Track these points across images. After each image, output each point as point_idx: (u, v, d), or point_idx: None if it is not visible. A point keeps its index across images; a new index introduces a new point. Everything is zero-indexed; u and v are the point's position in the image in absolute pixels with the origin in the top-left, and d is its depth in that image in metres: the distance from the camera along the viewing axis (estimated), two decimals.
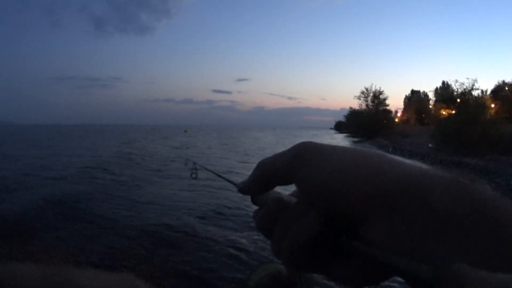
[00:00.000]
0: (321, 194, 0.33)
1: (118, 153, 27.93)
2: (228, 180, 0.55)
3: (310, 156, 0.35)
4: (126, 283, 0.27)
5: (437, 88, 62.52)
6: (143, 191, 12.88)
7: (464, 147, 28.71)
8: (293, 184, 0.37)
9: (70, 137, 63.01)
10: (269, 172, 0.39)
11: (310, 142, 0.37)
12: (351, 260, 0.32)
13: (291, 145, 0.29)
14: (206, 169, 0.71)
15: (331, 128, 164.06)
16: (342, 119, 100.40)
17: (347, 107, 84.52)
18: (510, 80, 56.25)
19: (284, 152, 0.38)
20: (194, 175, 0.73)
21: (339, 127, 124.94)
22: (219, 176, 0.61)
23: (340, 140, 70.97)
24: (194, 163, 0.74)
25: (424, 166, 0.31)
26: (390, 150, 39.36)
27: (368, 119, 68.14)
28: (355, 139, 67.43)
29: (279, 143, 48.26)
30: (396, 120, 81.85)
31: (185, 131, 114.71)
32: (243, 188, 0.44)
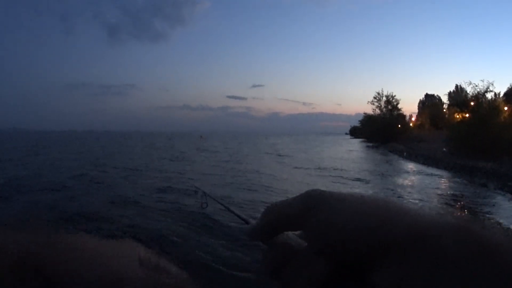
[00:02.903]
0: (331, 242, 0.33)
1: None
2: (238, 216, 0.54)
3: (320, 204, 0.35)
4: (128, 247, 0.28)
5: (450, 92, 62.33)
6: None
7: (478, 151, 28.76)
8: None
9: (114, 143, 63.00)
10: (279, 219, 0.39)
11: (320, 190, 0.37)
12: None
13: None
14: (215, 200, 0.70)
15: (346, 134, 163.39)
16: (357, 124, 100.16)
17: (362, 112, 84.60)
18: None
19: (293, 199, 0.39)
20: (204, 205, 0.74)
21: (354, 132, 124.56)
22: (229, 210, 0.60)
23: (356, 145, 71.05)
24: (204, 192, 0.75)
25: (434, 212, 0.30)
26: (405, 155, 39.57)
27: (382, 124, 68.15)
28: (370, 144, 67.45)
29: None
30: (411, 124, 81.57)
31: (201, 137, 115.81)
32: (251, 233, 0.43)
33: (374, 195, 0.31)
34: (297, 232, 0.34)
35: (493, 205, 14.20)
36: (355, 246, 0.31)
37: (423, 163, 30.63)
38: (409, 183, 20.27)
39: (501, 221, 11.30)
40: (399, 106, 74.12)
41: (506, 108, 38.48)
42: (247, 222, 0.50)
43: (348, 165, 29.21)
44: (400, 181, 21.37)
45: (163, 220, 10.02)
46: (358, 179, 20.83)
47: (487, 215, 12.09)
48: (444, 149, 36.67)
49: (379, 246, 0.29)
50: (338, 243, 0.32)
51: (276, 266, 0.39)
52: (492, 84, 38.20)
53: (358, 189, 18.78)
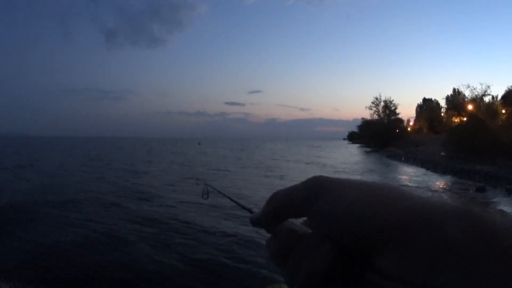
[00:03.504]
0: (335, 227, 0.33)
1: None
2: (241, 206, 0.54)
3: (324, 190, 0.35)
4: None
5: (448, 95, 62.36)
6: None
7: (476, 154, 28.72)
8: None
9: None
10: (283, 206, 0.39)
11: (324, 176, 0.36)
12: None
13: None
14: (217, 191, 0.69)
15: (344, 139, 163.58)
16: (355, 129, 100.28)
17: (360, 117, 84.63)
18: None
19: (298, 186, 0.38)
20: (205, 196, 0.76)
21: (352, 137, 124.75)
22: (232, 200, 0.59)
23: (354, 150, 71.01)
24: (205, 184, 0.76)
25: (436, 196, 0.30)
26: (403, 159, 39.49)
27: (380, 129, 68.15)
28: (368, 149, 67.44)
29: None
30: (409, 129, 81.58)
31: (199, 143, 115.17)
32: (256, 221, 0.43)
33: (377, 181, 0.32)
34: (301, 219, 0.35)
35: (492, 207, 14.12)
36: (358, 231, 0.31)
37: (422, 167, 30.57)
38: (406, 186, 20.20)
39: None
40: (397, 110, 74.27)
41: (503, 111, 38.50)
42: (250, 211, 0.50)
43: (349, 167, 29.20)
44: (397, 183, 21.31)
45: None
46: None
47: None
48: (442, 153, 36.63)
49: (382, 230, 0.29)
50: (342, 228, 0.32)
51: (281, 253, 0.39)
52: (489, 88, 38.28)
53: None
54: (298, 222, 0.35)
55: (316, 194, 0.35)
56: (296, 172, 27.01)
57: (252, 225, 0.35)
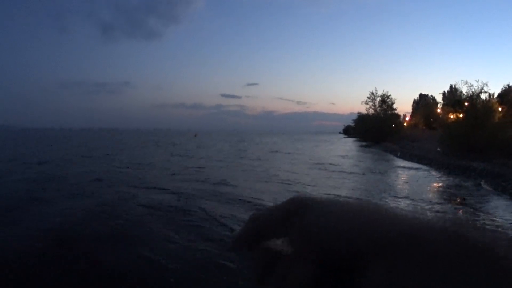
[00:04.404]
0: (315, 247, 0.32)
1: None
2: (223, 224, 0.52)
3: (306, 209, 0.35)
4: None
5: (444, 92, 62.41)
6: None
7: (472, 151, 28.78)
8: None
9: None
10: (262, 226, 0.39)
11: (302, 196, 0.36)
12: None
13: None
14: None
15: (340, 133, 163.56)
16: (350, 123, 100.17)
17: (356, 111, 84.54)
18: None
19: (278, 205, 0.38)
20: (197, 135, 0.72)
21: (347, 131, 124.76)
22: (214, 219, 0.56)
23: (350, 144, 70.95)
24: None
25: (421, 215, 0.30)
26: (399, 154, 39.49)
27: (376, 124, 68.18)
28: (363, 143, 67.41)
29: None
30: (405, 124, 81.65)
31: (195, 135, 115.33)
32: (235, 242, 0.43)
33: (360, 200, 0.31)
34: (281, 239, 0.35)
35: (488, 204, 14.12)
36: (340, 250, 0.31)
37: (417, 163, 30.55)
38: (402, 182, 20.27)
39: (498, 220, 11.20)
40: (394, 105, 74.24)
41: (500, 109, 38.61)
42: (232, 230, 0.46)
43: (343, 161, 29.35)
44: (393, 179, 21.42)
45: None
46: (353, 173, 21.04)
47: (482, 215, 12.02)
48: (438, 149, 36.67)
49: (365, 250, 0.29)
50: (323, 247, 0.31)
51: (263, 272, 0.33)
52: (487, 85, 38.33)
53: (354, 183, 18.84)
54: (279, 241, 0.35)
55: (296, 213, 0.35)
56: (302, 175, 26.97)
57: (232, 247, 0.37)
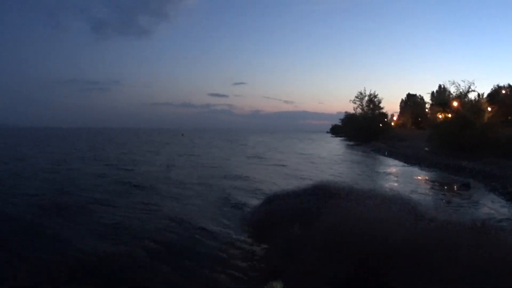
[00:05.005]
0: (344, 243, 0.34)
1: None
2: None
3: (330, 201, 0.34)
4: None
5: (433, 92, 62.28)
6: None
7: (461, 151, 28.51)
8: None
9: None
10: (283, 210, 0.37)
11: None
12: None
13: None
14: None
15: (327, 132, 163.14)
16: (338, 122, 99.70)
17: (344, 110, 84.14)
18: (506, 84, 56.54)
19: (300, 192, 0.35)
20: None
21: (335, 131, 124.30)
22: None
23: (336, 143, 70.62)
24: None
25: (450, 215, 0.29)
26: (386, 154, 39.03)
27: (364, 123, 67.99)
28: (351, 143, 67.14)
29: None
30: (392, 124, 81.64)
31: (182, 134, 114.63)
32: (249, 223, 0.37)
33: (389, 192, 0.31)
34: (301, 226, 0.33)
35: (476, 203, 13.63)
36: (369, 249, 0.30)
37: (405, 162, 30.04)
38: (389, 182, 19.72)
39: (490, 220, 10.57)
40: (381, 105, 74.11)
41: (489, 109, 38.53)
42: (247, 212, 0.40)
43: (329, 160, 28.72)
44: (379, 178, 20.90)
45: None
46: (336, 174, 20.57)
47: (471, 214, 11.46)
48: (426, 148, 36.39)
49: (394, 250, 0.29)
50: (353, 244, 0.31)
51: (280, 261, 0.35)
52: (473, 84, 38.31)
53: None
54: (298, 228, 0.33)
55: (322, 203, 0.32)
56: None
57: (244, 226, 0.35)
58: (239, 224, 7.76)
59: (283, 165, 25.90)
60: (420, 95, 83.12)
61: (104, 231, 8.75)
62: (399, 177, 21.39)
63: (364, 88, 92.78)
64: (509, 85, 55.55)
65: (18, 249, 7.39)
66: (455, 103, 39.35)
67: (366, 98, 74.29)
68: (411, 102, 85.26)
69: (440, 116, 44.75)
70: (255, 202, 10.26)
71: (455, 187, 17.94)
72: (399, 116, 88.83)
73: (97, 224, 9.32)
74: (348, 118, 79.32)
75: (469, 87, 39.17)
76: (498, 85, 57.37)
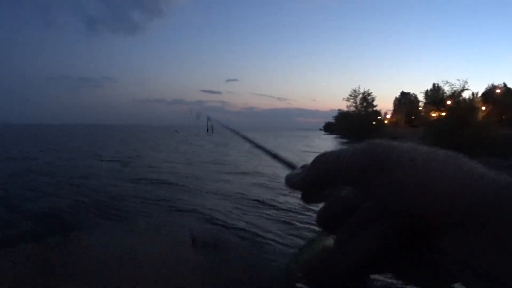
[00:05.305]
0: (402, 205, 0.30)
1: None
2: (272, 154, 0.41)
3: (388, 163, 0.31)
4: None
5: (427, 90, 62.15)
6: None
7: (457, 149, 28.14)
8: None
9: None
10: (334, 171, 0.34)
11: (384, 144, 0.33)
12: (420, 267, 0.30)
13: None
14: (224, 126, 0.55)
15: (320, 129, 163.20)
16: (331, 120, 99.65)
17: (337, 108, 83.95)
18: (500, 83, 56.39)
19: (355, 150, 0.33)
20: (210, 131, 0.69)
21: (328, 128, 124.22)
22: (256, 145, 0.44)
23: (330, 141, 70.28)
24: (208, 117, 0.69)
25: (509, 178, 0.28)
26: None
27: (357, 121, 67.74)
28: (344, 141, 66.85)
29: None
30: (386, 122, 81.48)
31: (176, 131, 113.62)
32: (295, 182, 0.37)
33: (446, 152, 0.30)
34: (352, 189, 0.31)
35: None
36: (429, 211, 0.28)
37: None
38: None
39: None
40: (375, 103, 73.94)
41: (484, 108, 38.33)
42: (292, 167, 0.40)
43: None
44: None
45: None
46: None
47: None
48: None
49: (454, 212, 0.26)
50: (411, 207, 0.29)
51: (332, 221, 0.33)
52: (467, 83, 38.11)
53: None
54: (351, 190, 0.32)
55: (378, 164, 0.31)
56: None
57: (287, 186, 0.33)
58: None
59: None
60: (414, 94, 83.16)
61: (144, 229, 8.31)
62: None
63: (358, 86, 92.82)
64: (504, 84, 55.47)
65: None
66: (449, 102, 39.13)
67: (360, 96, 74.14)
68: (405, 100, 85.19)
69: (433, 115, 44.54)
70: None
71: None
72: (392, 114, 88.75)
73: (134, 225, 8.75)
74: (342, 116, 79.05)
75: (464, 86, 38.96)
76: (492, 84, 57.29)
